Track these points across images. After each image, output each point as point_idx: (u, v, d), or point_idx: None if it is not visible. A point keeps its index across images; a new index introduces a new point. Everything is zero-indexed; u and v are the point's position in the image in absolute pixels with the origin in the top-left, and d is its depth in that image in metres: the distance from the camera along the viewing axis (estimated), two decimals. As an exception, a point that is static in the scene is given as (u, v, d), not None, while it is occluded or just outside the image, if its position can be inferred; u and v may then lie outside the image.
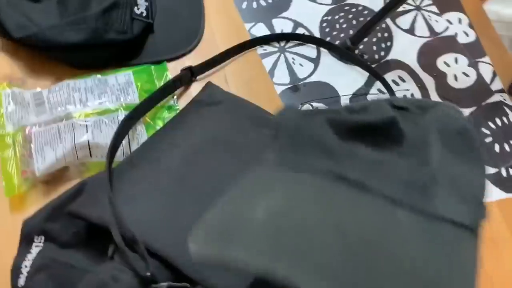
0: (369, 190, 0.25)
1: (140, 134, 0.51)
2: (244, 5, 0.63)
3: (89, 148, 0.47)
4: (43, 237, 0.39)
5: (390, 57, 0.61)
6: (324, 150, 0.26)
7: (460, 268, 0.23)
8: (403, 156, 0.26)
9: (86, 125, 0.48)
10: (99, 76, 0.53)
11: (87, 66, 0.54)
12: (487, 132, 0.58)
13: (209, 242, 0.22)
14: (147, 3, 0.56)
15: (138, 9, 0.54)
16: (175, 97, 0.54)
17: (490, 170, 0.55)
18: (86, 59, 0.54)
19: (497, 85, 0.61)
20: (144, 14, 0.55)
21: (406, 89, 0.60)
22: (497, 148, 0.57)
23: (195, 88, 0.55)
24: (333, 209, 0.24)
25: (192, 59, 0.57)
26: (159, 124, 0.52)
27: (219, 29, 0.61)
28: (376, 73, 0.59)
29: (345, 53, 0.60)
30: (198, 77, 0.56)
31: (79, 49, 0.51)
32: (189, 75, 0.55)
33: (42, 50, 0.52)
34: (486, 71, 0.62)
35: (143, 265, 0.35)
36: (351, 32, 0.62)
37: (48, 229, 0.39)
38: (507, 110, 0.59)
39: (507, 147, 0.57)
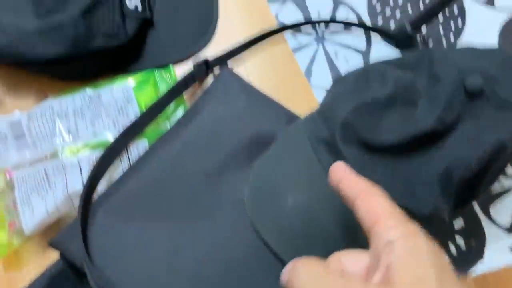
0: None
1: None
2: (269, -22, 0.48)
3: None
4: None
5: (462, 42, 0.47)
6: None
7: None
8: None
9: (80, 166, 0.39)
10: (89, 91, 0.42)
11: (74, 78, 0.43)
12: None
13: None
14: (141, -8, 0.42)
15: (130, 2, 0.41)
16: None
17: None
18: (70, 71, 0.42)
19: None
20: (140, 8, 0.42)
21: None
22: None
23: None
24: None
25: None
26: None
27: (238, 14, 0.47)
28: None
29: (403, 43, 0.46)
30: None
31: (60, 63, 0.40)
32: (204, 69, 0.43)
33: (16, 64, 0.41)
34: None
35: None
36: (410, 10, 0.47)
37: None
38: None
39: None
